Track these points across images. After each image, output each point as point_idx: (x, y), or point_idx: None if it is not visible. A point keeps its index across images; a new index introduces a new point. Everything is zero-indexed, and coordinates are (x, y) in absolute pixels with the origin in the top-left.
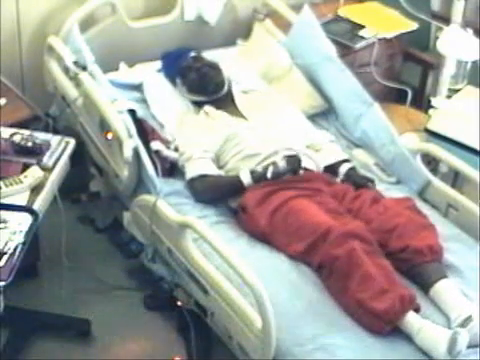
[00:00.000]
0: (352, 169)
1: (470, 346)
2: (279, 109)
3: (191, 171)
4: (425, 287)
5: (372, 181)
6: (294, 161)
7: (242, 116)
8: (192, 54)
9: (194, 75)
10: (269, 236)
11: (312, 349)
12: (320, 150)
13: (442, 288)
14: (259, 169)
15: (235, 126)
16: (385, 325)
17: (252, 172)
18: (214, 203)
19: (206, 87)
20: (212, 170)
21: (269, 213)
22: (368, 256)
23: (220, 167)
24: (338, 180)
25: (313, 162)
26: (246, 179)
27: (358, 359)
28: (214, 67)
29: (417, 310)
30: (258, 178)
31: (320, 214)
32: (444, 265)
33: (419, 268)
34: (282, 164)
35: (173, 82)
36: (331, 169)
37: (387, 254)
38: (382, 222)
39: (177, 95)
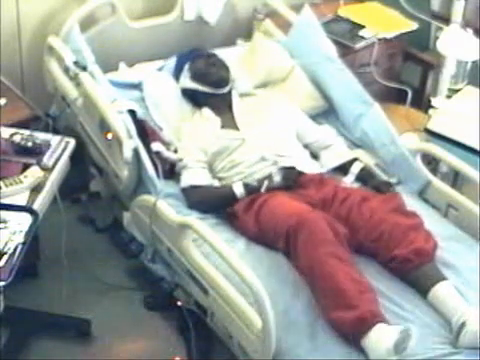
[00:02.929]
0: (364, 169)
1: (468, 347)
2: (275, 115)
3: (184, 181)
4: (422, 292)
5: (390, 185)
6: (290, 175)
7: (235, 126)
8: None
9: (202, 62)
10: (261, 238)
11: (312, 349)
12: (329, 147)
13: (439, 293)
14: (254, 183)
15: (226, 140)
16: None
17: (246, 185)
18: (208, 212)
19: (210, 76)
20: (205, 180)
21: (254, 215)
22: (339, 263)
23: (213, 174)
24: (349, 180)
25: (308, 165)
26: (239, 191)
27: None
28: (224, 64)
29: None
30: (252, 191)
31: (290, 206)
32: (438, 265)
33: (411, 275)
34: (277, 179)
35: (177, 76)
36: (340, 167)
37: (379, 263)
38: (368, 230)
39: (176, 96)
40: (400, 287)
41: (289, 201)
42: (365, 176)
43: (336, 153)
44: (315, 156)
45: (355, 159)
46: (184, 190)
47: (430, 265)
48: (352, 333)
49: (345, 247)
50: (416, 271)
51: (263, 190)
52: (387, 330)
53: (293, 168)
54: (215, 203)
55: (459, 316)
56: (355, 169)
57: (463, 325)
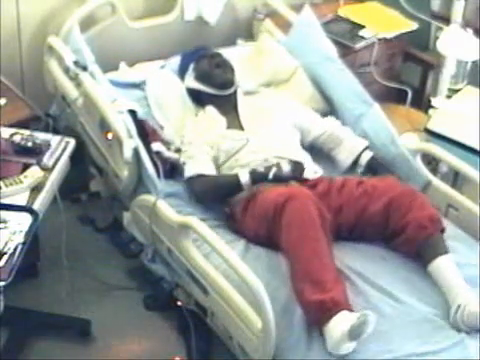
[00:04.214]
0: (372, 159)
1: (463, 329)
2: (279, 115)
3: (189, 170)
4: (425, 262)
5: (393, 173)
6: (298, 168)
7: (240, 126)
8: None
9: (207, 62)
10: (260, 235)
11: (311, 348)
12: (339, 145)
13: (439, 266)
14: (260, 169)
15: (231, 140)
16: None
17: (252, 172)
18: (213, 204)
19: (215, 78)
20: (211, 170)
21: (250, 212)
22: (319, 248)
23: (218, 171)
24: (358, 171)
25: (308, 169)
26: (244, 179)
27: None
28: (229, 65)
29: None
30: (259, 178)
31: (277, 190)
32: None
33: (423, 244)
34: (286, 168)
35: (182, 74)
36: None
37: (391, 236)
38: (376, 199)
39: (180, 95)
40: (401, 280)
41: (279, 187)
42: (374, 165)
43: (348, 150)
44: (324, 153)
45: (364, 149)
46: (190, 179)
47: (438, 236)
48: (316, 317)
49: (328, 234)
50: (425, 242)
51: (271, 177)
52: (346, 315)
53: (301, 163)
54: (220, 192)
55: (454, 297)
56: (363, 160)
57: (458, 308)
